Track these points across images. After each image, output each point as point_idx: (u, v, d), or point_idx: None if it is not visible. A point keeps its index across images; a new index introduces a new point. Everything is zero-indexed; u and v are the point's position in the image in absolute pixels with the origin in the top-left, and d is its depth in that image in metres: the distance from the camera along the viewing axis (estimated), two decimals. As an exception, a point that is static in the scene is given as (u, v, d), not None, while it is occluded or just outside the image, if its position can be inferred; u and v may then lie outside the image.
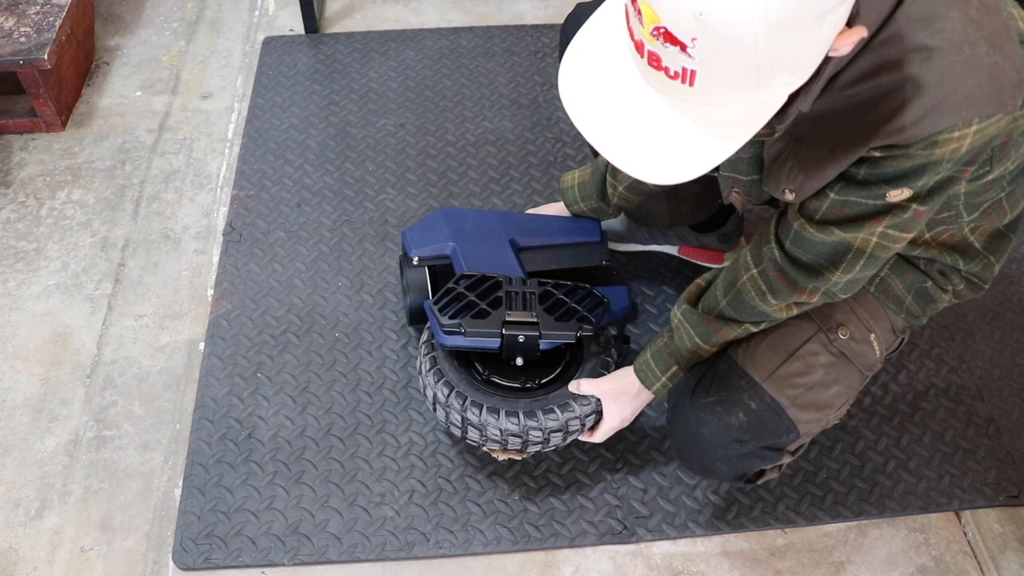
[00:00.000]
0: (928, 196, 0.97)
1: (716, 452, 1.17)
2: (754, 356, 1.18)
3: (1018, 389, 1.55)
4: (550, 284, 1.36)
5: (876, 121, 0.91)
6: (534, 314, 1.31)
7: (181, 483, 1.42)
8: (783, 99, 0.84)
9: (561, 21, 1.52)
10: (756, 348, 1.18)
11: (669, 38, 0.77)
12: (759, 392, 1.15)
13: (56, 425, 1.50)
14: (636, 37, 0.81)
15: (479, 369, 1.33)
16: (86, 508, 1.40)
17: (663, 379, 1.24)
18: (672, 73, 0.80)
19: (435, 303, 1.32)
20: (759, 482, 1.27)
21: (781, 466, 1.27)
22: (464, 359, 1.34)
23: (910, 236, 1.03)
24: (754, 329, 1.17)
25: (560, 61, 1.52)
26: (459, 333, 1.28)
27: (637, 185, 1.43)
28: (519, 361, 1.33)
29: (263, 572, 1.34)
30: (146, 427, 1.50)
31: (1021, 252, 1.76)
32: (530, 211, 1.63)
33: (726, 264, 1.26)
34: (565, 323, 1.32)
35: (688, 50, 0.76)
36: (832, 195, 1.01)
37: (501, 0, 2.36)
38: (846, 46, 0.82)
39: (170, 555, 1.35)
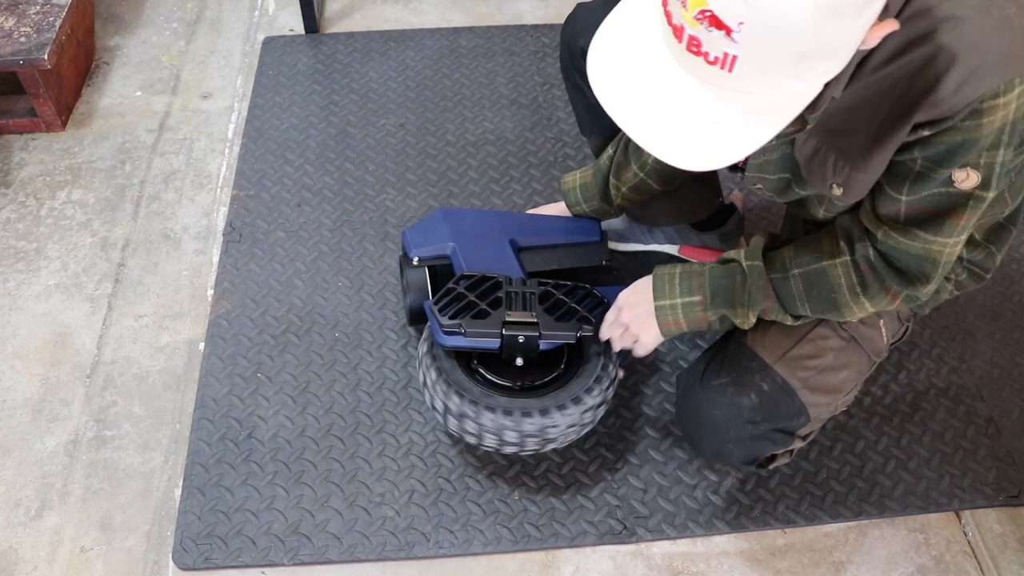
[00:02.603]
0: (999, 179, 0.95)
1: (728, 433, 1.17)
2: (764, 338, 1.18)
3: (1018, 389, 1.55)
4: (550, 284, 1.36)
5: (914, 97, 0.90)
6: (534, 314, 1.31)
7: (181, 483, 1.42)
8: (818, 88, 0.83)
9: (561, 21, 1.52)
10: (767, 331, 1.19)
11: (715, 22, 0.76)
12: (771, 373, 1.15)
13: (56, 425, 1.50)
14: (675, 21, 0.80)
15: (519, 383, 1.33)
16: (86, 508, 1.40)
17: (677, 300, 1.18)
18: (712, 58, 0.79)
19: (435, 303, 1.32)
20: (771, 467, 1.27)
21: (792, 451, 1.27)
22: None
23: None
24: (789, 321, 1.15)
25: (560, 61, 1.52)
26: (459, 333, 1.28)
27: (640, 186, 1.43)
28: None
29: (263, 572, 1.34)
30: (146, 427, 1.50)
31: (1021, 252, 1.76)
32: (530, 211, 1.63)
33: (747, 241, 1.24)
34: (565, 323, 1.32)
35: (733, 35, 0.76)
36: (905, 197, 0.99)
37: (501, 0, 2.36)
38: (875, 38, 0.82)
39: (170, 555, 1.35)
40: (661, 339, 1.24)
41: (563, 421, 1.27)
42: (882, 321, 1.21)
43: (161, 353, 1.60)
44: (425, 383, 1.32)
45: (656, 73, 0.85)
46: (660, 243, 1.71)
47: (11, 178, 1.90)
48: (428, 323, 1.37)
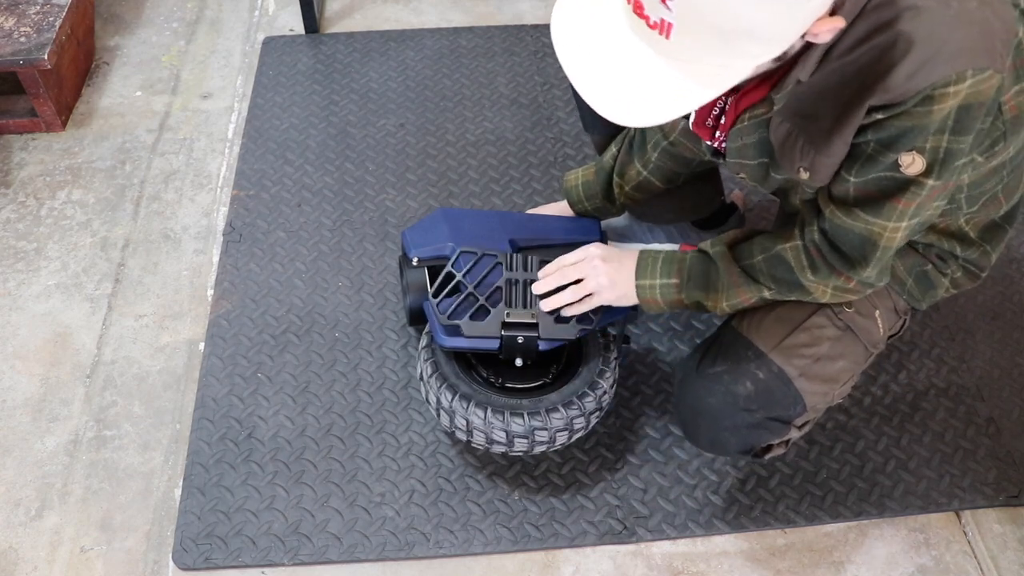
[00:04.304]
0: (942, 166, 0.97)
1: (723, 422, 1.18)
2: (759, 327, 1.19)
3: (1018, 389, 1.55)
4: None
5: (871, 81, 0.92)
6: (533, 314, 1.31)
7: (181, 483, 1.42)
8: (750, 69, 0.87)
9: (561, 21, 1.52)
10: (762, 320, 1.19)
11: None
12: (766, 362, 1.16)
13: (56, 425, 1.50)
14: None
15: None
16: (86, 508, 1.40)
17: (657, 281, 1.21)
18: (652, 23, 0.83)
19: (434, 294, 1.32)
20: (767, 457, 1.28)
21: (788, 441, 1.27)
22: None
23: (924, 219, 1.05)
24: (768, 296, 1.16)
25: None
26: (459, 334, 1.28)
27: (644, 184, 1.44)
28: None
29: (263, 572, 1.34)
30: (146, 427, 1.50)
31: (1021, 252, 1.76)
32: (531, 211, 1.63)
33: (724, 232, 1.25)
34: (564, 323, 1.32)
35: (667, 3, 0.80)
36: (852, 178, 1.02)
37: (501, 0, 2.36)
38: (825, 33, 0.86)
39: (170, 555, 1.35)
40: (632, 291, 1.24)
41: (590, 406, 1.30)
42: (878, 312, 1.22)
43: (161, 353, 1.60)
44: (468, 414, 1.29)
45: (606, 29, 0.89)
46: (660, 242, 1.71)
47: (11, 178, 1.90)
48: (427, 326, 1.37)
